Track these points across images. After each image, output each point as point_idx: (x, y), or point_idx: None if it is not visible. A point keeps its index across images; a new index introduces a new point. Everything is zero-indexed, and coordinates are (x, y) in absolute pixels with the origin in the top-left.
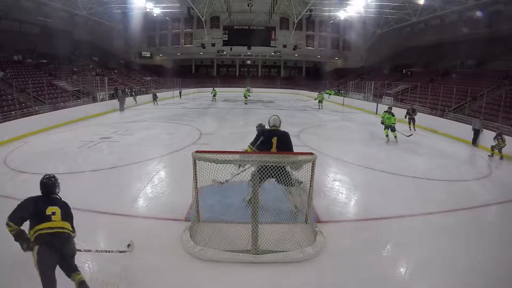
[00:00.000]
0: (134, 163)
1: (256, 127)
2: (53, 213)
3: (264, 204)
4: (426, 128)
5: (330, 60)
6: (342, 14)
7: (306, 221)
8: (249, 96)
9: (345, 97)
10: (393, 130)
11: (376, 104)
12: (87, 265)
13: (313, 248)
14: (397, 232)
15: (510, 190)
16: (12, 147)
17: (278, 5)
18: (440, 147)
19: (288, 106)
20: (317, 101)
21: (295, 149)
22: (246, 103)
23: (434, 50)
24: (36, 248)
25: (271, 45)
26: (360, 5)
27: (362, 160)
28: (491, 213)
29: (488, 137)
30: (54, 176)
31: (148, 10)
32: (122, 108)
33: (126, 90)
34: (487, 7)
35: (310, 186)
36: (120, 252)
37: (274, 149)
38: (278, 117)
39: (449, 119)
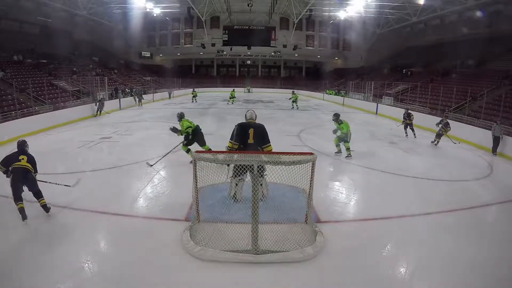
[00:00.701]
0: (134, 163)
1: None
2: (22, 159)
3: (264, 204)
4: (426, 128)
5: (330, 60)
6: (342, 14)
7: (306, 221)
8: (235, 97)
9: (345, 97)
10: (345, 140)
11: (376, 104)
12: None
13: (313, 248)
14: (397, 232)
15: (510, 190)
16: (12, 147)
17: (278, 5)
18: (440, 147)
19: (288, 106)
20: (291, 100)
21: (295, 149)
22: (228, 103)
23: (434, 50)
24: (11, 175)
25: (271, 45)
26: (360, 5)
27: (362, 160)
28: (491, 213)
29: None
30: (25, 141)
31: (148, 10)
32: (99, 113)
33: (126, 90)
34: (487, 7)
35: (310, 186)
36: (65, 185)
37: (251, 139)
38: (254, 111)
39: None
